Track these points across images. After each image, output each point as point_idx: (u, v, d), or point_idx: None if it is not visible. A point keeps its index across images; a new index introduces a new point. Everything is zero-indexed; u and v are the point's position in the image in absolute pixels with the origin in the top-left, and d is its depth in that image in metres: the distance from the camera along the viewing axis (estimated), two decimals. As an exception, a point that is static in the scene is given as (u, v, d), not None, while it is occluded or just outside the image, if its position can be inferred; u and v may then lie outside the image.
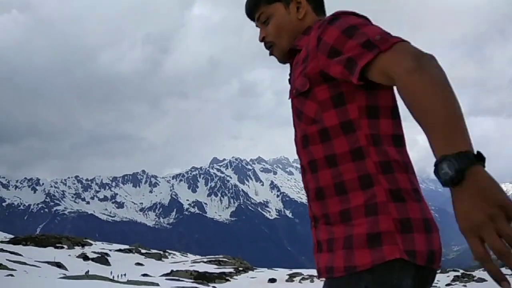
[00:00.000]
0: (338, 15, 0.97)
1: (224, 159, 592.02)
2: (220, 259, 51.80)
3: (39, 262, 38.56)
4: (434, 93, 0.75)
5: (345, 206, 0.96)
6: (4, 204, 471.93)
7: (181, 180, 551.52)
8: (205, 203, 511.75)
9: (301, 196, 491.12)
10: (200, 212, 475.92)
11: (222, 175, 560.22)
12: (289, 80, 1.13)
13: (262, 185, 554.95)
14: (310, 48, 0.99)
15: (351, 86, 0.95)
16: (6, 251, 42.59)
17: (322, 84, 0.99)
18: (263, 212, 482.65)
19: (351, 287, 0.91)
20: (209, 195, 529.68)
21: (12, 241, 54.12)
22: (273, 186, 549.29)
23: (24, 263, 34.90)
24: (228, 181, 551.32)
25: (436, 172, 0.73)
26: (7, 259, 34.31)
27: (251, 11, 1.15)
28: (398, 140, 1.00)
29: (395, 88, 0.93)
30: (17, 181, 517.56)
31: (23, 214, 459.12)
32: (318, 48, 0.96)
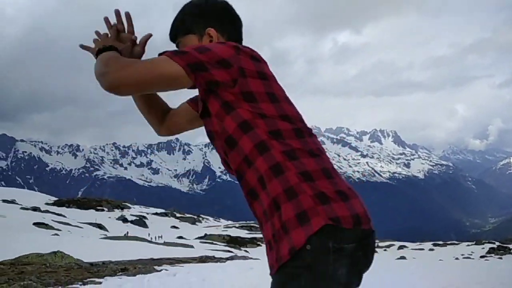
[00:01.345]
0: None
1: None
2: (252, 225, 53.14)
3: (82, 223, 41.06)
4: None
5: (271, 197, 1.06)
6: (47, 168, 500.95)
7: (213, 148, 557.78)
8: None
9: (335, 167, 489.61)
10: (232, 180, 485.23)
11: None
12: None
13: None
14: None
15: (231, 95, 1.10)
16: (52, 212, 45.60)
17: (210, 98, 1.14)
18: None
19: (297, 265, 0.99)
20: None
21: (56, 203, 57.76)
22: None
23: (68, 224, 37.29)
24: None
25: None
26: (52, 220, 36.78)
27: (172, 39, 1.29)
28: (300, 132, 1.12)
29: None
30: (58, 147, 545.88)
31: (66, 178, 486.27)
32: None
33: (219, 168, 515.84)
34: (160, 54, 1.10)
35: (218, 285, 6.73)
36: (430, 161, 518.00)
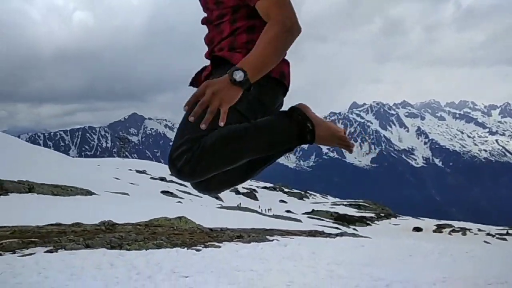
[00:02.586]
0: None
1: (364, 104, 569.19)
2: (361, 203, 51.76)
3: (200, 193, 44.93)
4: (276, 47, 1.19)
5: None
6: (170, 143, 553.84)
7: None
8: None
9: (454, 144, 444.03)
10: (339, 157, 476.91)
11: (362, 120, 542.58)
12: None
13: (407, 131, 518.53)
14: None
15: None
16: (176, 182, 50.87)
17: None
18: (407, 160, 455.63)
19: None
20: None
21: (179, 175, 64.13)
22: (420, 132, 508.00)
23: (190, 193, 41.28)
24: (368, 126, 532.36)
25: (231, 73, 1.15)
26: (176, 189, 41.13)
27: None
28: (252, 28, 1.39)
29: None
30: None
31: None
32: None
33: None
34: None
35: (328, 258, 6.76)
36: None
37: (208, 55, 1.43)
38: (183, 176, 1.28)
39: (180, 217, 12.58)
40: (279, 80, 1.36)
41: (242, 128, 1.27)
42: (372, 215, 41.42)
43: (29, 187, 20.54)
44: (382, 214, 42.64)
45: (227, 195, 50.09)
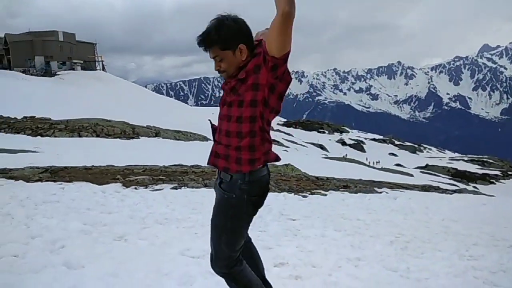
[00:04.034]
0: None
1: (498, 46, 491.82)
2: (484, 159, 46.50)
3: (306, 143, 45.53)
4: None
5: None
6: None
7: (441, 72, 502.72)
8: (469, 98, 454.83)
9: None
10: (463, 108, 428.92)
11: (494, 65, 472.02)
12: (224, 88, 1.87)
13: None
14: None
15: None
16: (282, 132, 52.13)
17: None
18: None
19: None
20: (475, 88, 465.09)
21: (285, 124, 65.57)
22: None
23: (295, 143, 42.04)
24: (501, 72, 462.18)
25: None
26: (282, 138, 42.16)
27: (205, 46, 1.74)
28: (269, 123, 1.95)
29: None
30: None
31: (293, 102, 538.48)
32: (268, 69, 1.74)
33: (447, 94, 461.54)
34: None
35: (443, 214, 6.36)
36: None
37: None
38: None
39: (286, 165, 12.99)
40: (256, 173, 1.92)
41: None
42: (498, 172, 37.02)
43: (156, 132, 23.23)
44: (510, 172, 37.80)
45: (332, 146, 49.70)
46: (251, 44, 1.77)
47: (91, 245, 3.50)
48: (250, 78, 1.76)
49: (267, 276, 2.34)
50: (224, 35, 1.69)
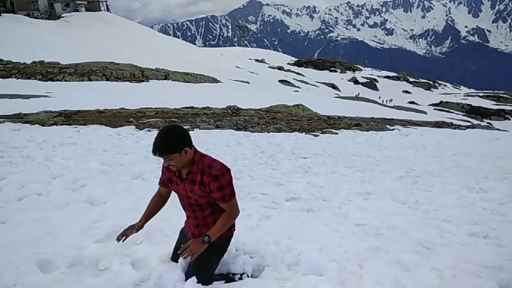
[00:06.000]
0: (218, 176, 2.15)
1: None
2: (501, 95, 45.37)
3: (317, 83, 44.76)
4: (225, 225, 2.24)
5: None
6: (288, 31, 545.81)
7: (460, 3, 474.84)
8: (489, 31, 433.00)
9: None
10: (481, 41, 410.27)
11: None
12: (174, 172, 2.28)
13: None
14: (205, 182, 2.17)
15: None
16: (292, 71, 51.09)
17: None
18: None
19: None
20: (495, 20, 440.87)
21: (296, 64, 64.06)
22: None
23: (306, 83, 41.35)
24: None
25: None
26: (293, 78, 41.43)
27: (160, 154, 2.08)
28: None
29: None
30: (297, 9, 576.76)
31: (304, 40, 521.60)
32: (209, 186, 2.17)
33: (466, 27, 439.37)
34: (226, 200, 2.20)
35: (455, 149, 6.36)
36: None
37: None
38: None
39: (297, 105, 12.89)
40: (228, 236, 2.39)
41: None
42: (514, 108, 36.24)
43: (165, 75, 23.03)
44: (527, 108, 36.95)
45: (344, 85, 48.82)
46: (191, 144, 2.22)
47: (111, 183, 3.65)
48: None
49: (279, 210, 2.93)
50: (172, 144, 2.11)
